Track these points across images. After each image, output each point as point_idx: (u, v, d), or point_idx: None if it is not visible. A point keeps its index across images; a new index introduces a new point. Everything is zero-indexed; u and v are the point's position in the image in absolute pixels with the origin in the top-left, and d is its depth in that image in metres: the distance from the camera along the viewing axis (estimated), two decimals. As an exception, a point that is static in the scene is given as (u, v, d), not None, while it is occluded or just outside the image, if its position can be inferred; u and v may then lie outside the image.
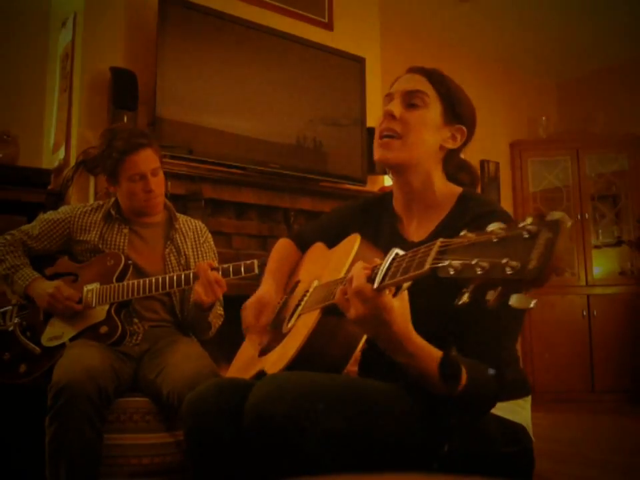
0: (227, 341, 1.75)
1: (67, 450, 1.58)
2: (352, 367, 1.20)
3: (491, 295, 0.72)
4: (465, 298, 0.75)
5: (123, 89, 2.69)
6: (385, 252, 0.98)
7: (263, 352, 1.37)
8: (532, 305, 0.70)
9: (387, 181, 3.70)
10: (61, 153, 2.89)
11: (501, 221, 0.78)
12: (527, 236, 0.68)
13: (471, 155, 1.36)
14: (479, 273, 0.71)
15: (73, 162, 2.75)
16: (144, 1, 2.93)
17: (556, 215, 0.68)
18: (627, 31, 4.64)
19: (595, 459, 2.72)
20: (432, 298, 1.03)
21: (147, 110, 2.77)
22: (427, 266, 0.80)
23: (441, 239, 0.82)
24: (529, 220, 0.70)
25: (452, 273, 0.75)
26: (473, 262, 0.72)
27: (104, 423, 1.68)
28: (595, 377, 4.68)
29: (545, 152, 5.15)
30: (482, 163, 4.94)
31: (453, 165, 1.31)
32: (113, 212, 2.06)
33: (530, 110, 5.37)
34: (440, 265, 0.78)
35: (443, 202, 1.25)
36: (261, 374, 1.24)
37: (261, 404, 1.00)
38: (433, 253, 0.81)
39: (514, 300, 0.70)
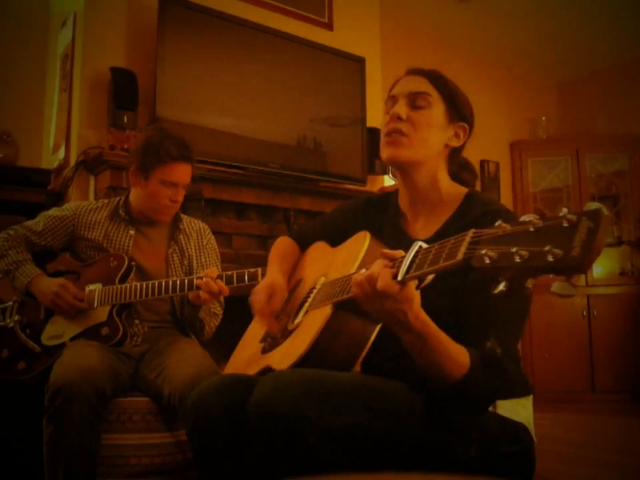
0: (228, 341, 1.75)
1: (64, 450, 1.58)
2: (356, 367, 1.19)
3: (530, 283, 0.73)
4: (502, 287, 0.75)
5: (123, 89, 2.69)
6: (389, 249, 0.98)
7: (267, 349, 1.37)
8: (575, 293, 0.70)
9: (387, 181, 3.70)
10: (61, 153, 2.88)
11: (506, 219, 0.78)
12: (566, 225, 0.69)
13: (471, 155, 1.37)
14: (518, 261, 0.72)
15: (73, 162, 2.75)
16: (144, 0, 2.93)
17: (593, 205, 0.69)
18: (628, 31, 4.64)
19: (595, 459, 2.72)
20: (443, 290, 1.03)
21: (147, 110, 2.77)
22: (460, 255, 0.80)
23: (472, 230, 0.82)
24: (565, 210, 0.71)
25: (487, 262, 0.75)
26: (512, 250, 0.72)
27: (101, 423, 1.68)
28: (595, 377, 4.68)
29: (545, 152, 5.15)
30: (482, 162, 4.94)
31: (456, 164, 1.33)
32: (122, 212, 2.05)
33: (530, 110, 5.36)
34: (475, 254, 0.78)
35: (449, 201, 1.26)
36: (266, 370, 1.24)
37: (266, 400, 1.00)
38: (465, 243, 0.81)
39: (557, 287, 0.71)
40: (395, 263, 0.95)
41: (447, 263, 0.83)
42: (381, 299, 0.95)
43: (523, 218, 0.75)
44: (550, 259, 0.69)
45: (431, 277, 0.92)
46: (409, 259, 0.92)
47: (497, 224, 0.78)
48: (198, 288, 1.82)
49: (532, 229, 0.73)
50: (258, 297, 1.39)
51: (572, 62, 5.23)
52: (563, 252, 0.68)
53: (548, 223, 0.72)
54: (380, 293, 0.94)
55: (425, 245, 0.92)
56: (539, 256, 0.70)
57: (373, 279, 0.95)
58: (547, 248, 0.69)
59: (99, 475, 1.66)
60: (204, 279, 1.80)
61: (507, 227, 0.77)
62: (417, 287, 0.94)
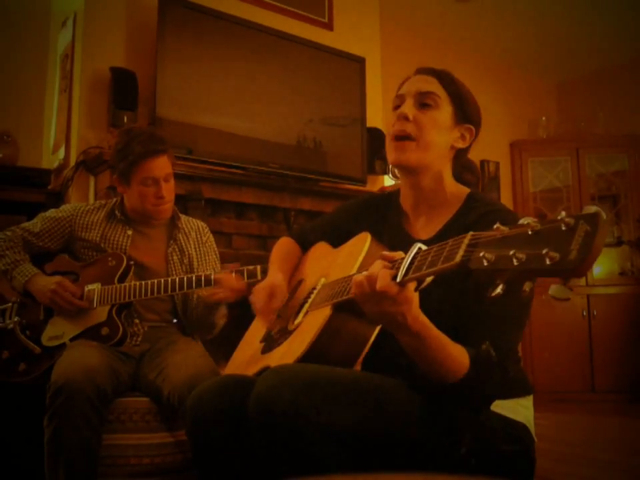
0: (227, 341, 1.75)
1: (65, 449, 1.58)
2: (356, 367, 1.20)
3: (527, 286, 0.73)
4: (499, 289, 0.75)
5: (123, 89, 2.69)
6: (391, 249, 0.99)
7: (266, 349, 1.37)
8: (570, 296, 0.70)
9: (387, 181, 3.70)
10: (61, 153, 2.89)
11: (508, 220, 0.78)
12: (564, 228, 0.70)
13: (471, 155, 1.37)
14: (516, 263, 0.72)
15: (72, 162, 2.75)
16: (144, 0, 2.93)
17: (592, 208, 0.69)
18: (627, 31, 4.64)
19: (595, 459, 2.72)
20: (442, 292, 1.03)
21: (147, 110, 2.77)
22: (458, 258, 0.80)
23: (471, 232, 0.82)
24: (564, 213, 0.71)
25: (485, 264, 0.75)
26: (510, 253, 0.73)
27: (102, 423, 1.68)
28: (595, 377, 4.68)
29: (545, 152, 5.15)
30: (482, 162, 4.94)
31: (460, 165, 1.33)
32: (117, 213, 2.05)
33: (530, 110, 5.36)
34: (473, 256, 0.78)
35: (452, 201, 1.27)
36: (265, 371, 1.24)
37: (266, 394, 1.00)
38: (463, 246, 0.81)
39: (553, 290, 0.71)
40: (395, 264, 0.95)
41: (445, 265, 0.83)
42: (380, 299, 0.94)
43: (522, 221, 0.75)
44: (547, 262, 0.69)
45: (430, 279, 0.92)
46: (408, 261, 0.92)
47: (495, 227, 0.79)
48: (208, 282, 1.83)
49: (530, 232, 0.73)
50: (259, 296, 1.39)
51: (572, 62, 5.23)
52: (560, 255, 0.68)
53: (546, 226, 0.72)
54: (379, 294, 0.94)
55: (424, 247, 0.92)
56: (536, 259, 0.70)
57: (372, 279, 0.95)
58: (544, 251, 0.69)
59: (100, 475, 1.66)
60: (224, 278, 1.82)
61: (505, 229, 0.77)
62: (416, 289, 0.94)
